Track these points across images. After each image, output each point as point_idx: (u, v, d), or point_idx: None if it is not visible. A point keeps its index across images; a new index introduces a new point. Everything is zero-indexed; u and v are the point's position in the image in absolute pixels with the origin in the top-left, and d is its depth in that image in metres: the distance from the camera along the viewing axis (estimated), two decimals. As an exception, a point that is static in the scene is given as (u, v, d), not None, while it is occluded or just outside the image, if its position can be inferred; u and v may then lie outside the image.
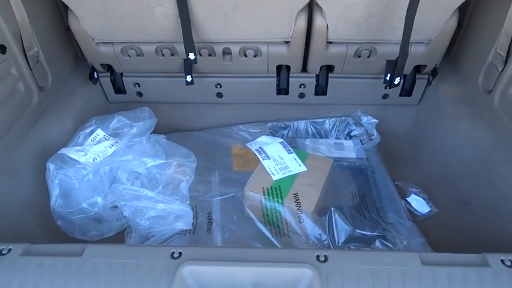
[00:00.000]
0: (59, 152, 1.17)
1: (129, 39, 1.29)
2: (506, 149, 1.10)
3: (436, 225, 1.21)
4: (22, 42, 1.21)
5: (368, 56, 1.30)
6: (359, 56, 1.30)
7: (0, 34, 1.11)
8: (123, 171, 1.23)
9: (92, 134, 1.26)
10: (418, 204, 1.25)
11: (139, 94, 1.53)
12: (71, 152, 1.17)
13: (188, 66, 1.32)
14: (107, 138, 1.25)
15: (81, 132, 1.25)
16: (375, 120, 1.47)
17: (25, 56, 1.22)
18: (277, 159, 1.27)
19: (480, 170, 1.17)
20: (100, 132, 1.26)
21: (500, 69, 1.14)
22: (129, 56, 1.34)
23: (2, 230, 1.01)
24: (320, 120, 1.53)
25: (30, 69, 1.24)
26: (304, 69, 1.40)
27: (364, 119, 1.48)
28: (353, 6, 1.12)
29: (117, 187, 1.14)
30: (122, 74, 1.48)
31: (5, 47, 1.13)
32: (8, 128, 1.15)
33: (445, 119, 1.35)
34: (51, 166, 1.12)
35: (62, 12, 1.38)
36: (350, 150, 1.43)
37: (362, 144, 1.46)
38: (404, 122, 1.52)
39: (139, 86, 1.50)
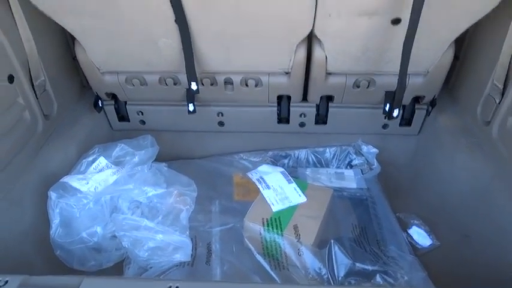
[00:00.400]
0: (61, 180, 1.18)
1: (134, 69, 1.32)
2: (504, 181, 1.10)
3: (437, 258, 1.19)
4: (30, 72, 1.24)
5: (367, 87, 1.32)
6: (358, 87, 1.32)
7: (9, 64, 1.15)
8: (124, 200, 1.23)
9: (94, 162, 1.27)
10: (420, 237, 1.24)
11: (143, 122, 1.55)
12: (73, 181, 1.18)
13: (190, 96, 1.35)
14: (109, 166, 1.26)
15: (84, 160, 1.26)
16: (375, 149, 1.48)
17: (32, 85, 1.25)
18: (278, 189, 1.27)
19: (479, 202, 1.17)
20: (102, 161, 1.27)
21: (497, 101, 1.15)
22: (133, 85, 1.37)
23: (2, 260, 1.01)
24: (321, 149, 1.53)
25: (37, 98, 1.27)
26: (305, 98, 1.42)
27: (365, 149, 1.49)
28: (351, 40, 1.15)
29: (117, 217, 1.14)
30: (125, 102, 1.50)
31: (13, 77, 1.16)
32: (12, 156, 1.17)
33: (444, 149, 1.35)
34: (52, 195, 1.13)
35: (70, 42, 1.42)
36: (350, 180, 1.42)
37: (363, 174, 1.46)
38: (405, 152, 1.53)
39: (142, 114, 1.52)
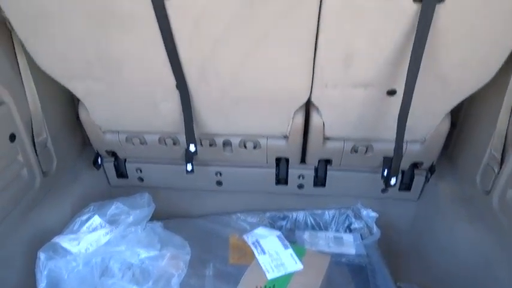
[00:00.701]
0: (52, 240, 1.16)
1: (134, 129, 1.35)
2: (506, 253, 1.07)
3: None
4: (32, 130, 1.27)
5: (365, 152, 1.32)
6: (356, 152, 1.33)
7: (12, 124, 1.17)
8: (115, 261, 1.20)
9: (88, 220, 1.25)
10: (421, 310, 1.18)
11: (141, 179, 1.55)
12: (64, 241, 1.15)
13: (189, 156, 1.36)
14: (103, 225, 1.24)
15: (78, 219, 1.25)
16: (374, 214, 1.45)
17: (33, 142, 1.27)
18: (273, 255, 1.23)
19: (480, 273, 1.12)
20: (96, 219, 1.25)
21: (496, 171, 1.15)
22: (133, 144, 1.39)
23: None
24: (319, 211, 1.51)
25: (37, 155, 1.28)
26: (303, 160, 1.43)
27: (364, 213, 1.46)
28: (347, 109, 1.17)
29: (106, 281, 1.11)
30: (125, 159, 1.52)
31: (15, 136, 1.18)
32: (7, 213, 1.16)
33: (444, 217, 1.32)
34: (42, 255, 1.10)
35: (75, 102, 1.46)
36: (349, 246, 1.38)
37: (362, 238, 1.42)
38: (405, 217, 1.50)
39: (141, 171, 1.53)
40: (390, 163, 1.25)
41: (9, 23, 1.03)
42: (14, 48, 1.16)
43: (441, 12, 0.89)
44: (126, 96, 1.19)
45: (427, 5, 0.87)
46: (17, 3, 0.96)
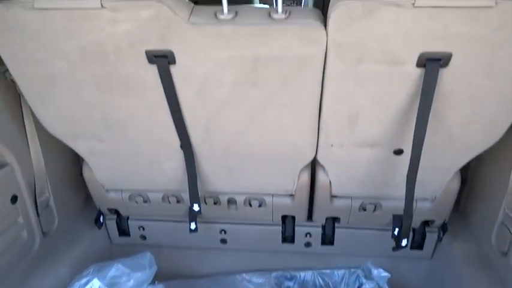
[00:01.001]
0: (49, 308, 1.11)
1: (137, 188, 1.33)
2: None
3: None
4: (35, 190, 1.25)
5: (373, 210, 1.28)
6: (364, 210, 1.29)
7: (15, 185, 1.16)
8: (113, 329, 1.14)
9: (87, 284, 1.21)
10: None
11: (143, 237, 1.51)
12: (61, 309, 1.10)
13: (192, 215, 1.33)
14: (102, 289, 1.19)
15: (77, 283, 1.20)
16: (386, 274, 1.37)
17: (35, 201, 1.25)
18: (280, 323, 1.16)
19: None
20: (96, 283, 1.21)
21: None
22: (136, 202, 1.37)
23: None
24: (328, 271, 1.44)
25: (38, 216, 1.26)
26: (310, 218, 1.38)
27: (375, 272, 1.39)
28: (354, 167, 1.15)
29: None
30: (127, 217, 1.48)
31: (17, 197, 1.16)
32: (2, 279, 1.12)
33: (460, 278, 1.25)
34: (36, 327, 1.05)
35: (80, 160, 1.46)
36: (361, 310, 1.31)
37: (374, 302, 1.35)
38: (418, 277, 1.42)
39: (143, 229, 1.49)
40: (400, 222, 1.20)
41: (18, 87, 1.05)
42: (21, 109, 1.17)
43: (445, 76, 0.89)
44: (130, 155, 1.19)
45: (431, 70, 0.87)
46: (25, 68, 0.98)
